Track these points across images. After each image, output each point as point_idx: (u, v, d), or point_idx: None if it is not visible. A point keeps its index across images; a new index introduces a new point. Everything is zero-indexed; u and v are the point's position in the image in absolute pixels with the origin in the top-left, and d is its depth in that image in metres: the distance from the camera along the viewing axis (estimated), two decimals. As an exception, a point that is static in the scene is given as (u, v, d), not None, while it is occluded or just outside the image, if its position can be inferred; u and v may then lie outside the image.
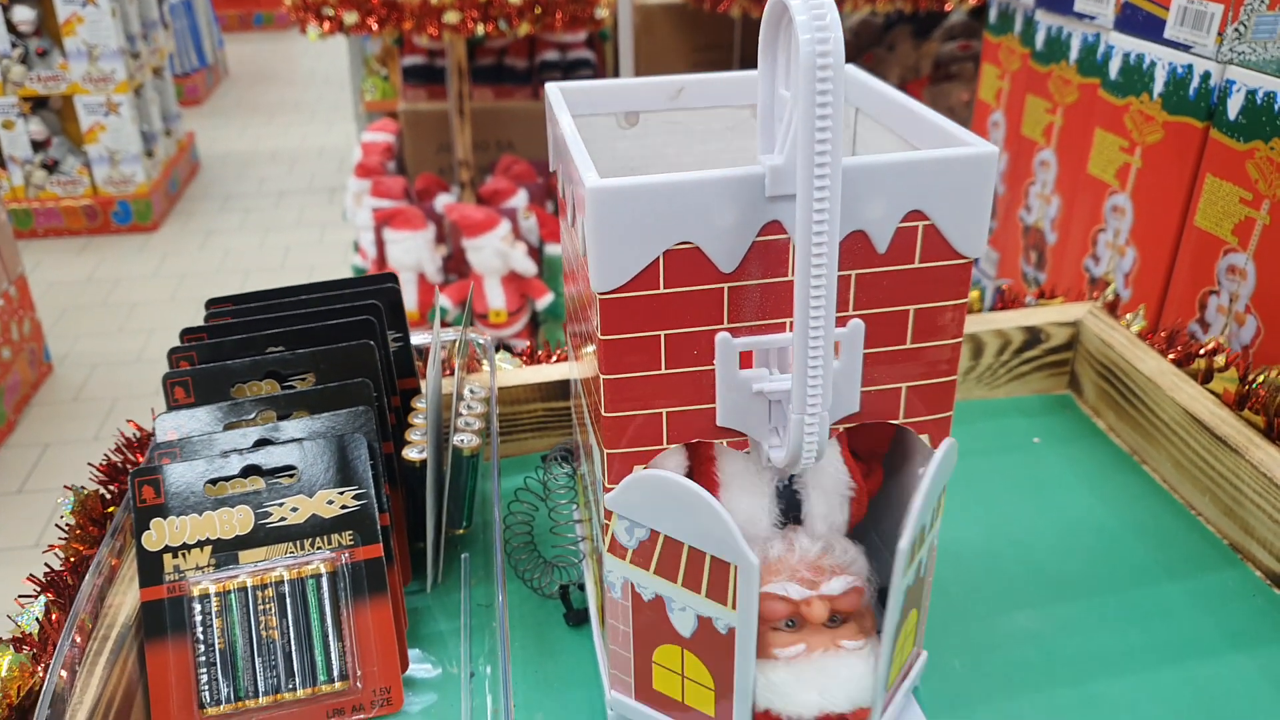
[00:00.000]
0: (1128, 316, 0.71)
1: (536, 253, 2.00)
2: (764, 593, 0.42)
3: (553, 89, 0.49)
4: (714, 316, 0.41)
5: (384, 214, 1.92)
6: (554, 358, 0.72)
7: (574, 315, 0.51)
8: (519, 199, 2.03)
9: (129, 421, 0.66)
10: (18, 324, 2.15)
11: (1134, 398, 0.67)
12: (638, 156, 0.53)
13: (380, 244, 1.94)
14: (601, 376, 0.41)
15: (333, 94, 4.26)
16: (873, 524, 0.50)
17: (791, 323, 0.41)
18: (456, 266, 1.99)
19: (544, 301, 1.96)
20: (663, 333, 0.41)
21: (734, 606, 0.41)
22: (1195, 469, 0.62)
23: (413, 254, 1.91)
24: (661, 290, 0.40)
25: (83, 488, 0.58)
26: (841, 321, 0.41)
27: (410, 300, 1.93)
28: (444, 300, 1.92)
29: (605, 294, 0.40)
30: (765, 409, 0.42)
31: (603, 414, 0.42)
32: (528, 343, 2.00)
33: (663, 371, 0.41)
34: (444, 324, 1.97)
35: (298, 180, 3.37)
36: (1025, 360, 0.73)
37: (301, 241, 2.90)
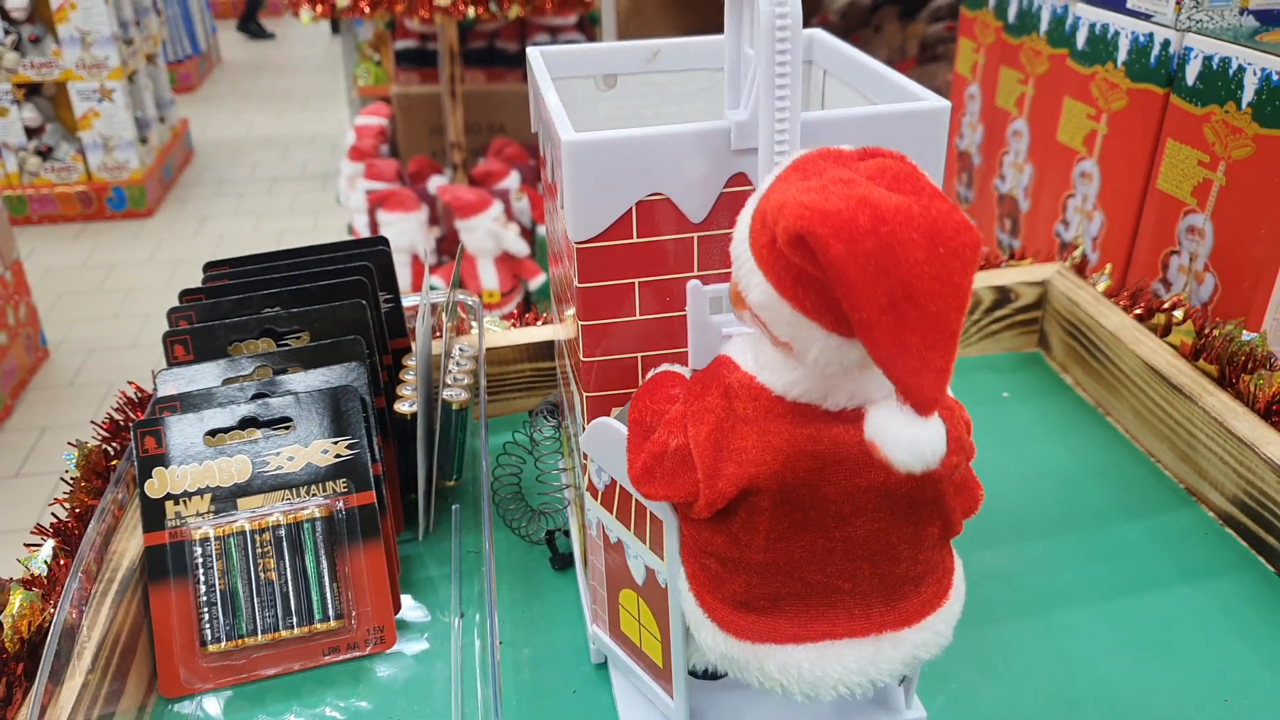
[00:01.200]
0: (1094, 276, 0.74)
1: (529, 233, 2.03)
2: None
3: (534, 53, 0.52)
4: (685, 264, 0.43)
5: (377, 196, 1.94)
6: (540, 321, 0.75)
7: (559, 297, 0.53)
8: (511, 180, 2.05)
9: (130, 383, 0.69)
10: (13, 309, 2.17)
11: (1098, 352, 0.69)
12: (616, 117, 0.55)
13: (374, 226, 1.96)
14: (580, 323, 0.44)
15: (325, 81, 4.26)
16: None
17: (757, 268, 0.44)
18: (449, 248, 2.01)
19: (536, 281, 1.98)
20: (636, 280, 0.43)
21: (666, 561, 0.42)
22: (1154, 418, 0.64)
23: (406, 235, 1.93)
24: (635, 240, 0.42)
25: (86, 443, 0.60)
26: (804, 266, 0.43)
27: (403, 281, 1.96)
28: (435, 281, 1.94)
29: (582, 243, 0.42)
30: (733, 351, 0.44)
31: (581, 359, 0.44)
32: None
33: (637, 317, 0.44)
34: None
35: (291, 167, 3.38)
36: (996, 319, 0.75)
37: (295, 227, 2.92)
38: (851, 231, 0.30)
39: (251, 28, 4.69)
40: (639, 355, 0.45)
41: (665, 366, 0.44)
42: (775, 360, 0.37)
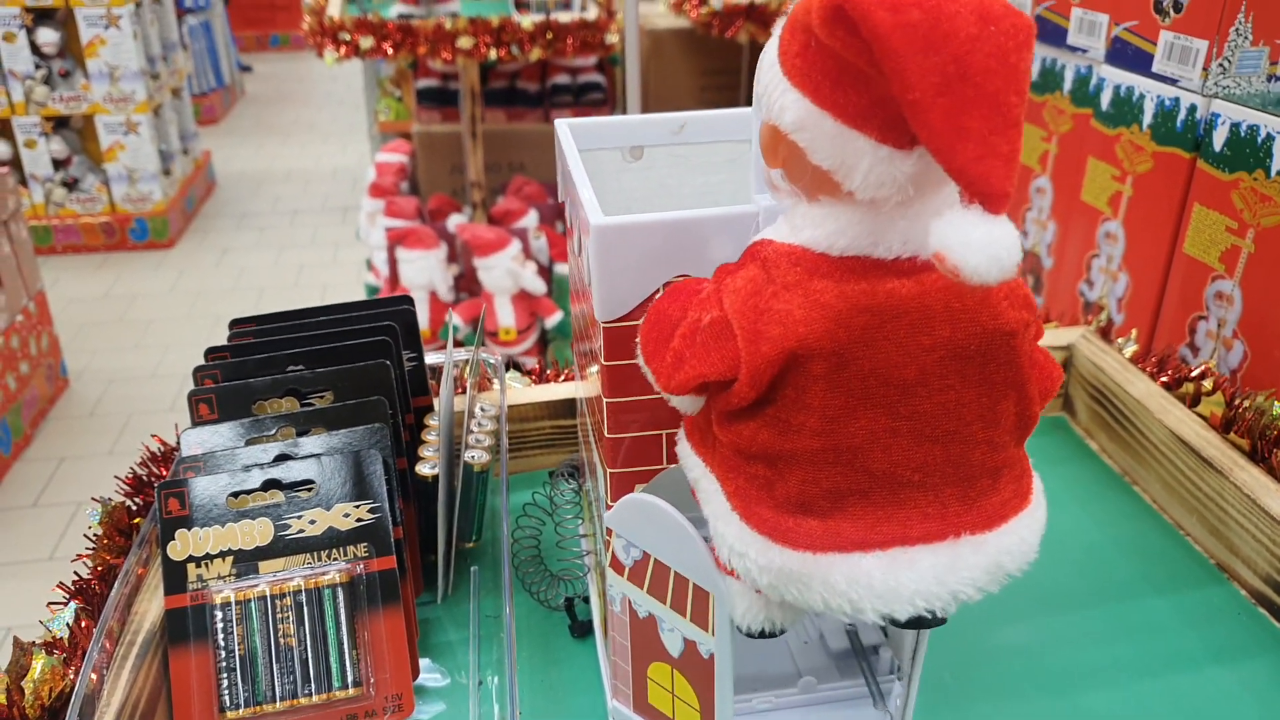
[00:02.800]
0: (1120, 341, 0.73)
1: (546, 272, 2.04)
2: None
3: (561, 125, 0.52)
4: (711, 342, 0.43)
5: (397, 233, 1.95)
6: (562, 377, 0.75)
7: (580, 334, 0.54)
8: (530, 219, 2.06)
9: (153, 435, 0.69)
10: (36, 339, 2.19)
11: (1125, 420, 0.69)
12: (641, 188, 0.55)
13: (393, 263, 1.97)
14: (604, 399, 0.44)
15: (347, 115, 4.31)
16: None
17: (785, 348, 0.43)
18: (468, 285, 2.02)
19: (553, 320, 1.98)
20: (663, 357, 0.43)
21: (713, 633, 0.42)
22: (1183, 489, 0.64)
23: (425, 273, 1.94)
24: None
25: (109, 500, 0.61)
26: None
27: (422, 318, 1.97)
28: (455, 319, 1.95)
29: (609, 323, 0.42)
30: (760, 430, 0.44)
31: (605, 435, 0.44)
32: (537, 360, 2.03)
33: (662, 395, 0.44)
34: (456, 343, 2.00)
35: (312, 200, 3.41)
36: (1019, 383, 0.75)
37: (315, 260, 2.94)
38: (895, 1, 0.28)
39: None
40: (663, 433, 0.45)
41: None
42: (815, 214, 0.33)
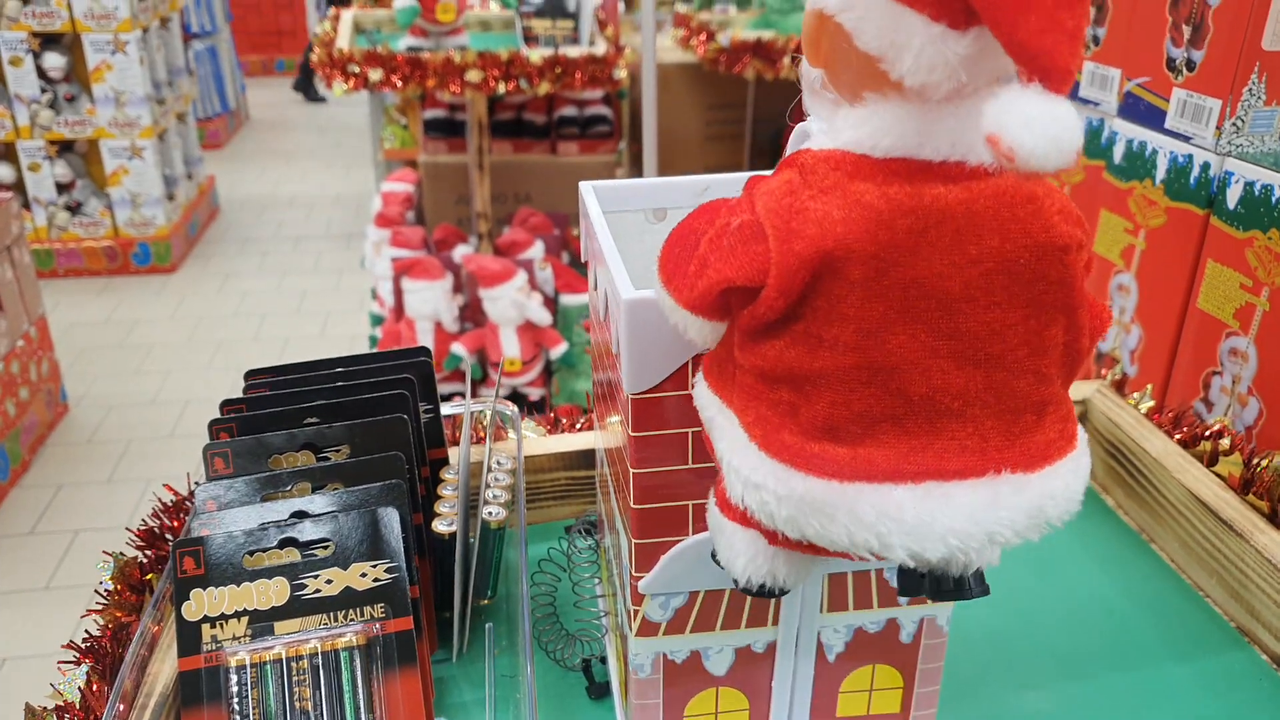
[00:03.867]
0: (1135, 395, 0.73)
1: (552, 303, 2.04)
2: None
3: (586, 188, 0.52)
4: (740, 414, 0.43)
5: (403, 264, 1.96)
6: (578, 425, 0.74)
7: (599, 363, 0.53)
8: (535, 250, 2.07)
9: (165, 486, 0.68)
10: (36, 365, 2.18)
11: (1141, 477, 0.68)
12: (665, 249, 0.55)
13: (398, 293, 1.98)
14: (631, 470, 0.43)
15: (351, 141, 4.33)
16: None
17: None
18: (473, 315, 2.02)
19: (558, 351, 1.98)
20: (690, 430, 0.43)
21: (774, 623, 0.47)
22: (1202, 550, 0.63)
23: (430, 303, 1.94)
24: (690, 390, 0.42)
25: (121, 554, 0.60)
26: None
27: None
28: (459, 349, 1.95)
29: (636, 395, 0.42)
30: (787, 502, 0.44)
31: (631, 506, 0.44)
32: (542, 392, 2.03)
33: (690, 466, 0.44)
34: (462, 374, 1.99)
35: (315, 225, 3.42)
36: (1034, 437, 0.75)
37: (318, 287, 2.95)
38: None
39: (310, 92, 4.79)
40: (690, 503, 0.44)
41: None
42: (856, 115, 0.31)
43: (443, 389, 1.95)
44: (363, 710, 0.53)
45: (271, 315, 2.75)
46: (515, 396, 1.98)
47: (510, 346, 1.94)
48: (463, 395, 2.00)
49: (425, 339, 1.96)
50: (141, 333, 2.67)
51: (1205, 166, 0.72)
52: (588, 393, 0.70)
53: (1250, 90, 0.69)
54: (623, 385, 0.42)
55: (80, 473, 2.12)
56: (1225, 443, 0.66)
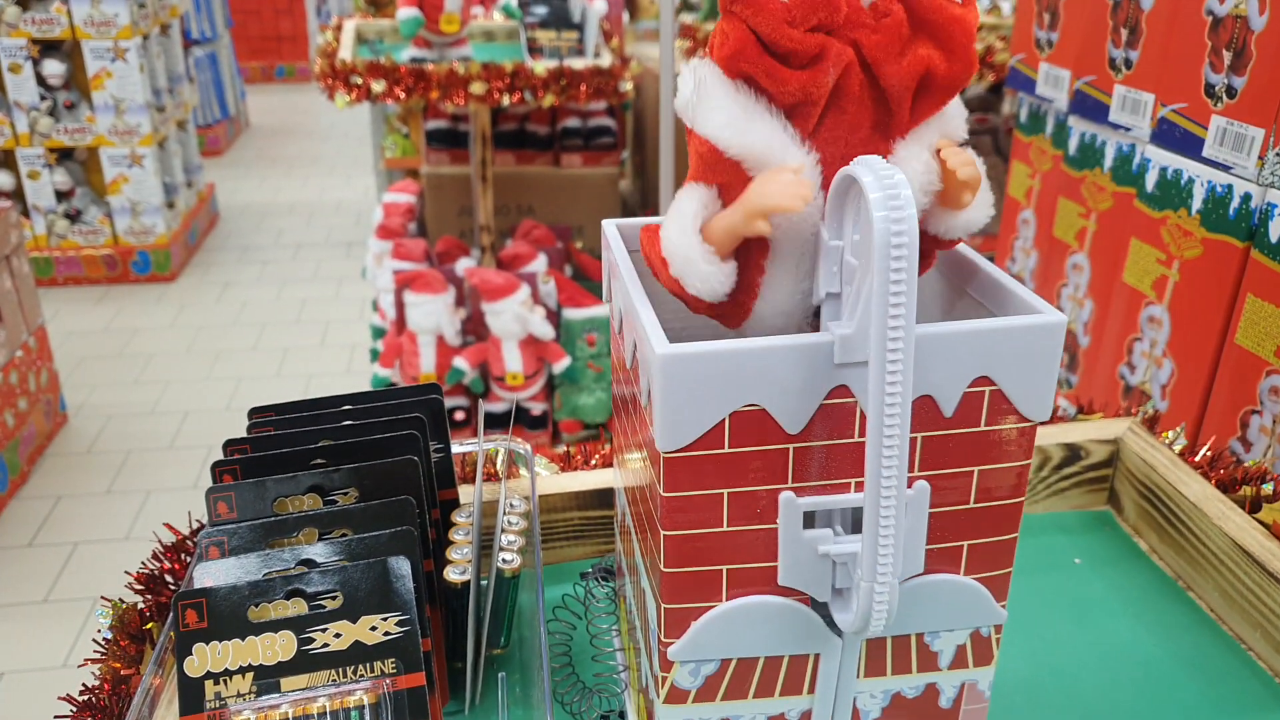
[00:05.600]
0: (1168, 434, 0.71)
1: (555, 316, 2.01)
2: None
3: (609, 226, 0.50)
4: (779, 476, 0.40)
5: (405, 277, 1.93)
6: (593, 460, 0.72)
7: (620, 378, 0.51)
8: (538, 263, 2.04)
9: (165, 525, 0.66)
10: (35, 375, 2.16)
11: (1178, 522, 0.66)
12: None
13: (400, 306, 1.95)
14: (663, 532, 0.41)
15: (352, 148, 4.31)
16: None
17: (856, 483, 0.41)
18: (475, 328, 2.00)
19: (561, 365, 1.96)
20: (726, 491, 0.40)
21: (810, 690, 0.45)
22: (1245, 601, 0.61)
23: (432, 317, 1.92)
24: (726, 450, 0.40)
25: (121, 601, 0.58)
26: (908, 483, 0.41)
27: (429, 363, 1.94)
28: (461, 363, 1.92)
29: (670, 453, 0.39)
30: (830, 570, 0.41)
31: (662, 569, 0.42)
32: (544, 406, 2.00)
33: (724, 529, 0.41)
34: (462, 387, 1.97)
35: (315, 233, 3.39)
36: (1064, 476, 0.72)
37: (318, 295, 2.92)
38: None
39: None
40: (724, 568, 0.42)
41: None
42: None
43: (446, 402, 1.93)
44: (372, 773, 0.50)
45: (271, 324, 2.72)
46: (517, 411, 1.95)
47: (513, 361, 1.92)
48: (465, 409, 1.97)
49: (427, 353, 1.94)
50: (141, 342, 2.64)
51: (1246, 198, 0.70)
52: (601, 427, 0.67)
53: (1292, 120, 0.67)
54: (655, 443, 0.39)
55: (79, 484, 2.09)
56: (1268, 489, 0.63)
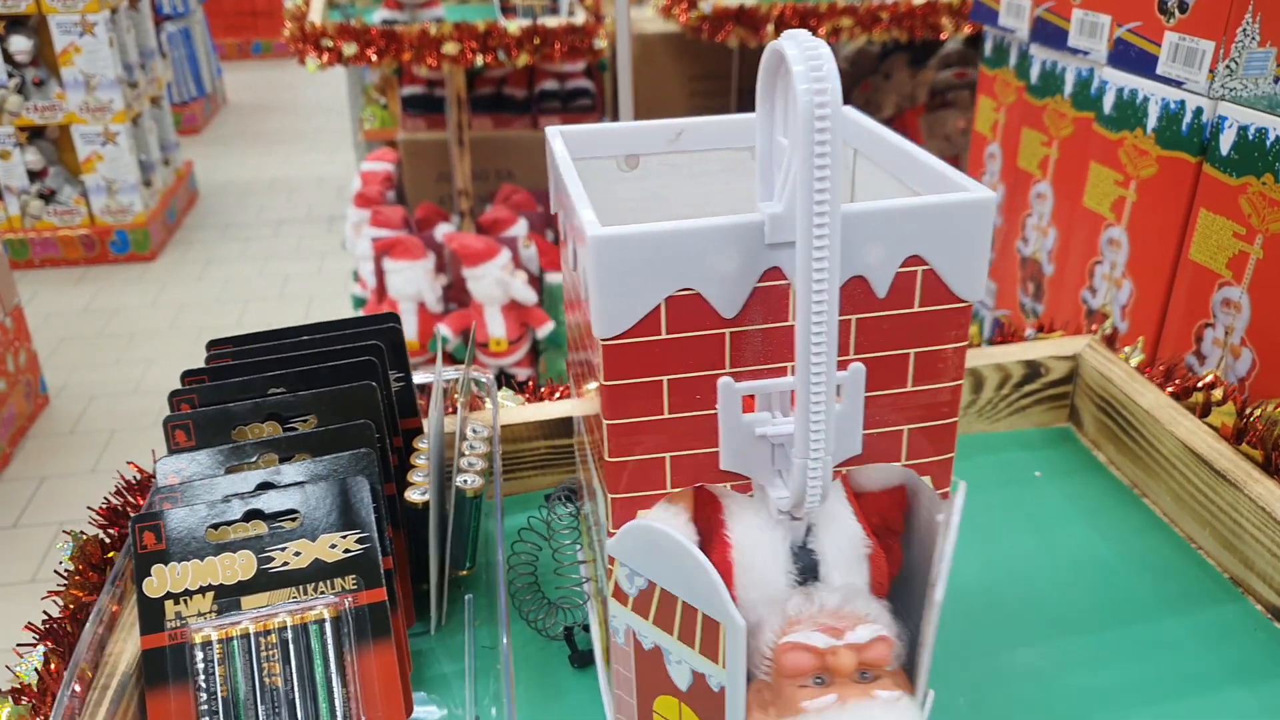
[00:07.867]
0: (1126, 350, 0.71)
1: (537, 281, 2.01)
2: (785, 643, 0.41)
3: (553, 133, 0.50)
4: (716, 361, 0.41)
5: (383, 243, 1.93)
6: (556, 394, 0.72)
7: (575, 344, 0.51)
8: (519, 228, 2.04)
9: (129, 463, 0.66)
10: (13, 355, 2.15)
11: (1133, 431, 0.67)
12: (637, 198, 0.53)
13: (380, 273, 1.95)
14: (605, 421, 0.41)
15: (333, 123, 4.28)
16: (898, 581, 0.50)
17: (793, 367, 0.41)
18: (457, 295, 1.99)
19: (544, 330, 1.96)
20: (665, 378, 0.41)
21: (724, 665, 0.41)
22: (1195, 502, 0.62)
23: (412, 283, 1.91)
24: (664, 335, 0.40)
25: (81, 532, 0.58)
26: (843, 365, 0.41)
27: (410, 330, 1.94)
28: (444, 330, 1.92)
29: (608, 340, 0.40)
30: (768, 452, 0.42)
31: (606, 459, 0.42)
32: (530, 372, 2.00)
33: (665, 416, 0.42)
34: (445, 355, 1.97)
35: (296, 209, 3.38)
36: (1025, 394, 0.73)
37: (301, 271, 2.91)
38: None
39: None
40: (667, 455, 0.42)
41: None
42: None
43: (426, 376, 1.93)
44: (335, 685, 0.51)
45: (254, 301, 2.71)
46: (503, 376, 1.96)
47: (496, 326, 1.92)
48: (457, 376, 1.97)
49: (409, 320, 1.94)
50: (122, 322, 2.63)
51: (1198, 112, 0.70)
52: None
53: (1244, 31, 0.67)
54: (593, 330, 0.40)
55: (63, 464, 2.09)
56: (1218, 394, 0.64)
